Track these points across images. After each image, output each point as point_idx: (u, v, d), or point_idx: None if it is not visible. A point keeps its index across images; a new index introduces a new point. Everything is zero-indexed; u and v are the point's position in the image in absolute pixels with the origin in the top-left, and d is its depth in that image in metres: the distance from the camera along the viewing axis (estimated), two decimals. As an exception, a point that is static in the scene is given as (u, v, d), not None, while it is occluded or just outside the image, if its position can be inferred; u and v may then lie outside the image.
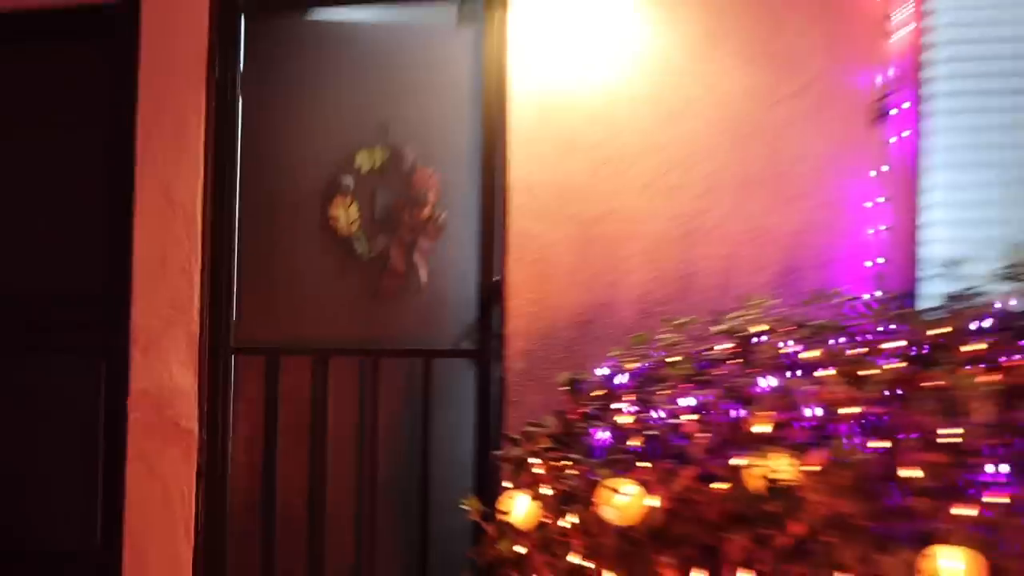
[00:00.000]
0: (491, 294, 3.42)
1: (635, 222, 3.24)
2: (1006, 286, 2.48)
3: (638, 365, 2.66)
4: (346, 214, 3.63)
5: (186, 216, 3.62)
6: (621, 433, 2.43)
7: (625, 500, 2.22)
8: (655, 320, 3.05)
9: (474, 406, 3.37)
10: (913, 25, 3.08)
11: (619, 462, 2.33)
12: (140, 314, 3.67)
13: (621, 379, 2.62)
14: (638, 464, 2.31)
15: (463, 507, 2.55)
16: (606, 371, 2.69)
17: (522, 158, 3.33)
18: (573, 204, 3.30)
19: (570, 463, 2.42)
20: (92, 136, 3.79)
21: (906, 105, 3.05)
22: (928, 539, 1.96)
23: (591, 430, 2.47)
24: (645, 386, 2.57)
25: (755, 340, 2.57)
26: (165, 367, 3.62)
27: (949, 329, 2.37)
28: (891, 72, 3.05)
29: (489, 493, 3.16)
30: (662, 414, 2.40)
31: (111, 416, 3.70)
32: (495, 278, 3.40)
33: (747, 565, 2.16)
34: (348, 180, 3.63)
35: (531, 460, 2.51)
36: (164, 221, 3.65)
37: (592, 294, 3.26)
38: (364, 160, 3.64)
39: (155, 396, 3.62)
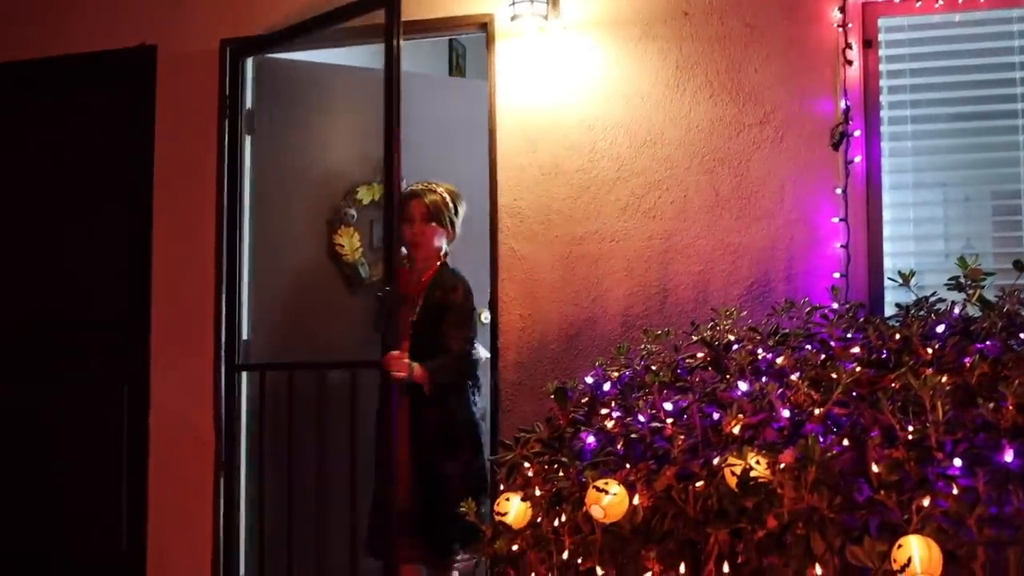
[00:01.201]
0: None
1: (616, 241, 3.24)
2: (958, 295, 2.49)
3: (621, 373, 2.65)
4: (350, 242, 3.64)
5: (200, 246, 3.61)
6: (607, 437, 2.42)
7: (611, 499, 2.20)
8: (636, 332, 3.04)
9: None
10: (863, 58, 3.10)
11: (605, 464, 2.32)
12: (160, 338, 3.65)
13: (606, 387, 2.62)
14: (623, 465, 2.30)
15: (461, 508, 2.53)
16: (592, 380, 2.68)
17: (509, 184, 3.33)
18: (558, 226, 3.29)
19: (560, 466, 2.40)
20: (115, 173, 3.79)
21: (857, 133, 3.06)
22: (896, 529, 1.94)
23: (579, 434, 2.46)
24: (628, 393, 2.58)
25: (729, 348, 2.57)
26: (187, 386, 3.60)
27: (908, 334, 2.37)
28: (846, 101, 3.06)
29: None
30: (644, 418, 2.40)
31: (134, 432, 3.68)
32: (487, 298, 3.39)
33: (728, 558, 2.15)
34: (351, 210, 3.64)
35: (524, 464, 2.48)
36: (180, 251, 3.64)
37: (577, 309, 3.25)
38: (364, 194, 3.65)
39: (175, 413, 3.61)
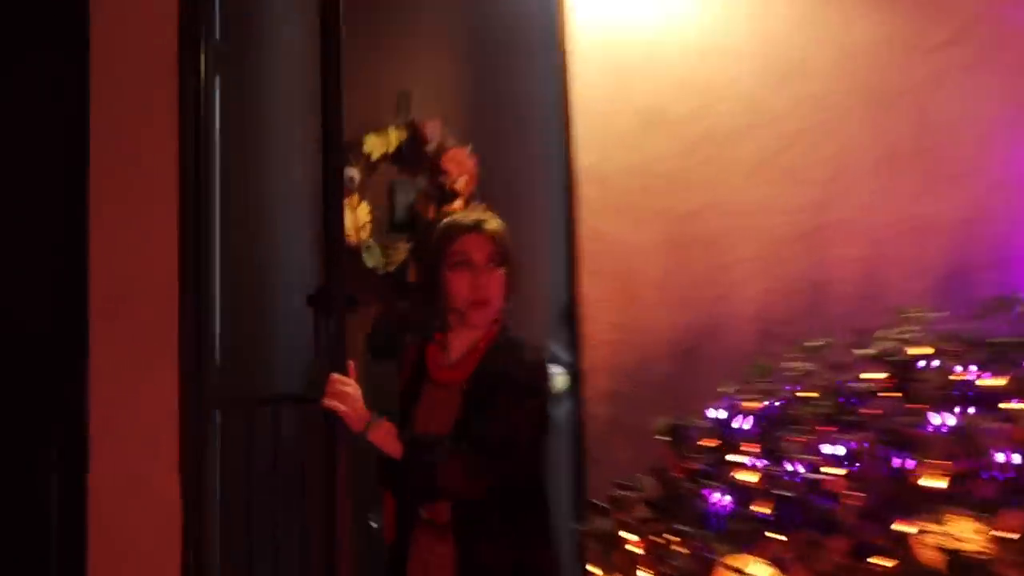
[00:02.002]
0: (559, 320, 3.47)
1: (744, 217, 3.28)
2: None
3: (761, 404, 2.68)
4: (353, 217, 3.67)
5: (156, 234, 3.62)
6: (743, 495, 2.46)
7: (756, 584, 2.24)
8: (779, 343, 3.03)
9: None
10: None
11: (743, 534, 2.36)
12: (101, 360, 3.66)
13: (740, 423, 2.65)
14: (768, 535, 2.34)
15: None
16: (719, 414, 2.72)
17: (591, 137, 3.37)
18: (661, 196, 3.33)
19: (677, 537, 2.44)
20: (30, 135, 3.82)
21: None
22: None
23: (703, 492, 2.50)
24: (772, 431, 2.60)
25: (917, 365, 2.57)
26: (140, 428, 3.60)
27: None
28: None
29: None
30: (798, 468, 2.43)
31: (67, 493, 3.68)
32: (563, 300, 3.47)
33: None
34: (352, 173, 3.66)
35: (624, 535, 2.53)
36: (127, 240, 3.65)
37: (692, 313, 3.30)
38: (373, 145, 3.69)
39: (124, 466, 3.62)
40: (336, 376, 2.90)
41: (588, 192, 3.39)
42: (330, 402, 2.86)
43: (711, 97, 3.33)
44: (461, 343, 3.01)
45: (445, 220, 3.09)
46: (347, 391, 2.87)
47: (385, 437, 2.86)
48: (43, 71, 3.83)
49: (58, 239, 3.80)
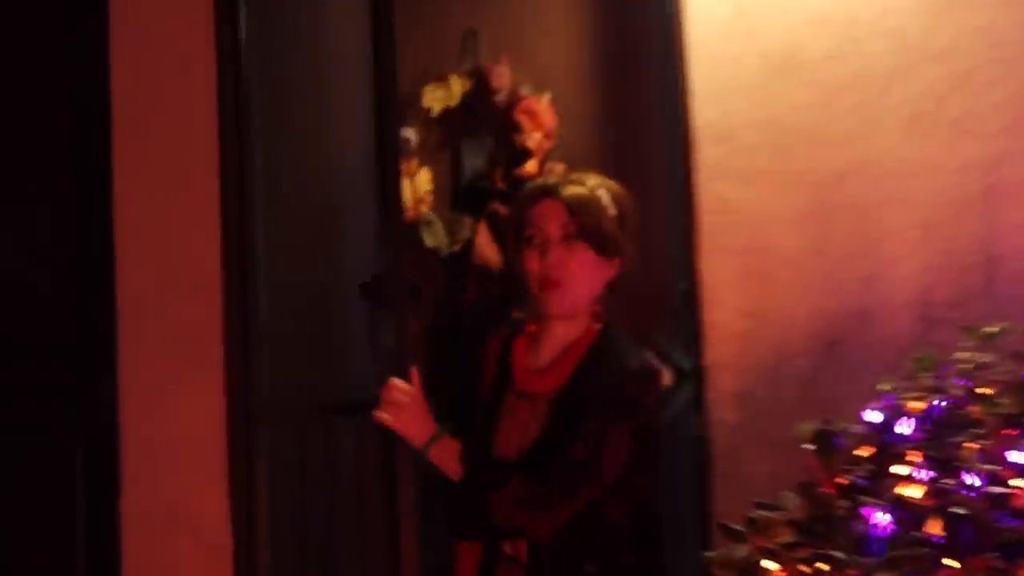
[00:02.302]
0: (674, 309, 3.45)
1: (899, 178, 3.25)
2: None
3: (927, 404, 2.64)
4: (411, 187, 3.68)
5: (193, 219, 3.66)
6: (909, 513, 2.43)
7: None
8: (947, 331, 3.01)
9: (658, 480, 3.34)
10: None
11: (909, 560, 2.33)
12: (132, 371, 3.71)
13: (902, 427, 2.62)
14: (943, 562, 2.31)
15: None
16: (876, 416, 2.68)
17: (712, 84, 3.37)
18: (799, 156, 3.31)
19: (828, 565, 2.41)
20: (45, 109, 3.87)
21: None
22: None
23: (859, 511, 2.47)
24: (943, 437, 2.57)
25: None
26: (180, 449, 3.66)
27: None
28: None
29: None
30: (976, 480, 2.40)
31: (95, 524, 3.75)
32: (679, 284, 3.44)
33: None
34: (409, 134, 3.69)
35: (765, 563, 2.50)
36: (160, 231, 3.69)
37: (840, 297, 3.28)
38: (434, 98, 3.72)
39: (162, 493, 3.66)
40: (394, 382, 2.89)
41: (709, 153, 3.37)
42: (383, 414, 2.86)
43: (856, 34, 3.29)
44: (554, 343, 2.95)
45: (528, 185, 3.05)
46: (404, 401, 2.87)
47: (448, 458, 2.84)
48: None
49: (76, 224, 3.82)
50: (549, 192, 2.93)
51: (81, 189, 3.81)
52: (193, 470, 3.65)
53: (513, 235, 2.97)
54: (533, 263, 2.91)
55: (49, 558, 3.80)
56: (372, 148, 3.35)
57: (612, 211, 2.92)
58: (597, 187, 2.94)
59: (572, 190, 2.91)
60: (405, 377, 2.88)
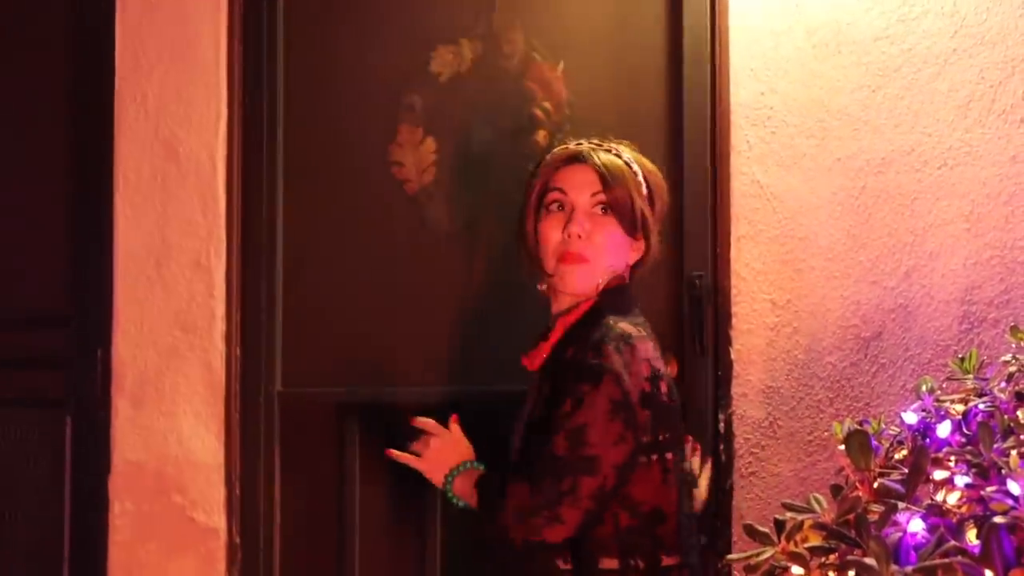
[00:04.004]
0: (695, 299, 3.39)
1: (948, 167, 3.21)
2: None
3: (968, 406, 2.58)
4: (416, 155, 3.64)
5: (201, 181, 3.66)
6: (947, 521, 2.35)
7: (967, 637, 2.15)
8: (991, 331, 3.03)
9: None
10: None
11: (946, 569, 2.22)
12: (126, 342, 3.71)
13: (941, 430, 2.56)
14: (980, 572, 2.20)
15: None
16: (913, 417, 2.59)
17: (750, 64, 3.32)
18: (841, 141, 3.26)
19: (860, 571, 2.28)
20: (42, 61, 3.88)
21: None
22: None
23: (893, 517, 2.36)
24: (985, 441, 2.47)
25: None
26: (170, 425, 3.65)
27: None
28: None
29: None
30: (1018, 488, 2.31)
31: (82, 507, 3.75)
32: (695, 273, 3.38)
33: None
34: (415, 100, 3.65)
35: (792, 568, 2.40)
36: (164, 192, 3.70)
37: (878, 291, 3.23)
38: (444, 62, 3.65)
39: (154, 473, 3.65)
40: (422, 421, 2.83)
41: (746, 136, 3.31)
42: (400, 454, 2.83)
43: (909, 11, 3.23)
44: (553, 319, 2.88)
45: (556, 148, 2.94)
46: (430, 442, 2.81)
47: (466, 488, 2.79)
48: None
49: (70, 191, 3.84)
50: (581, 157, 2.83)
51: (77, 151, 3.82)
52: (191, 448, 3.65)
53: (536, 200, 2.85)
54: (555, 232, 2.80)
55: (35, 530, 3.82)
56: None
57: (644, 189, 2.84)
58: (632, 160, 2.85)
59: (607, 158, 2.82)
60: None
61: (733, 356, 3.31)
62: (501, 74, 3.60)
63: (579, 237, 2.77)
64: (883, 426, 2.64)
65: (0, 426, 3.88)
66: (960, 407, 2.60)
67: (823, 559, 2.40)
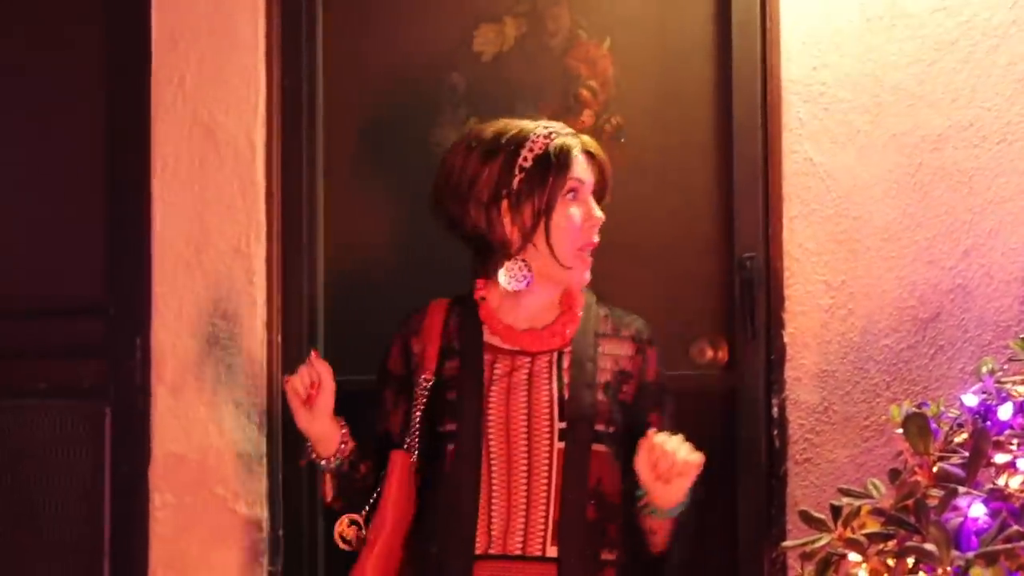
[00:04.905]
0: (746, 281, 3.36)
1: (1007, 144, 3.16)
2: None
3: None
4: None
5: (239, 165, 3.67)
6: (1009, 505, 2.33)
7: (1030, 624, 2.14)
8: None
9: (728, 467, 3.33)
10: None
11: (1008, 554, 2.21)
12: (165, 329, 3.73)
13: (1003, 412, 2.51)
14: (1047, 560, 2.23)
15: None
16: (973, 400, 2.59)
17: (803, 38, 3.29)
18: (898, 117, 3.23)
19: (920, 557, 2.29)
20: (78, 44, 3.89)
21: None
22: None
23: (953, 502, 2.35)
24: (1049, 425, 2.50)
25: None
26: (211, 415, 3.67)
27: None
28: None
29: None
30: (1085, 472, 2.32)
31: (122, 498, 3.77)
32: (746, 255, 3.36)
33: None
34: (457, 79, 3.66)
35: (849, 555, 2.39)
36: (202, 176, 3.71)
37: (935, 271, 3.20)
38: (487, 40, 3.65)
39: (195, 463, 3.68)
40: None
41: (798, 113, 3.29)
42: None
43: None
44: (535, 303, 3.04)
45: (538, 131, 2.95)
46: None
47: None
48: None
49: (106, 176, 3.85)
50: (586, 148, 2.95)
51: (114, 136, 3.84)
52: (231, 439, 3.67)
53: (550, 189, 2.88)
54: (574, 222, 2.90)
55: (76, 522, 3.83)
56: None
57: None
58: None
59: (594, 144, 2.96)
60: None
61: (786, 339, 3.29)
62: (545, 52, 3.59)
63: (598, 227, 2.93)
64: (942, 409, 2.61)
65: (39, 416, 3.89)
66: (1022, 389, 2.57)
67: (881, 545, 2.39)
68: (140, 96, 3.76)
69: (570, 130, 2.97)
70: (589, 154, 2.94)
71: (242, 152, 3.67)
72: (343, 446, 2.96)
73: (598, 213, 2.92)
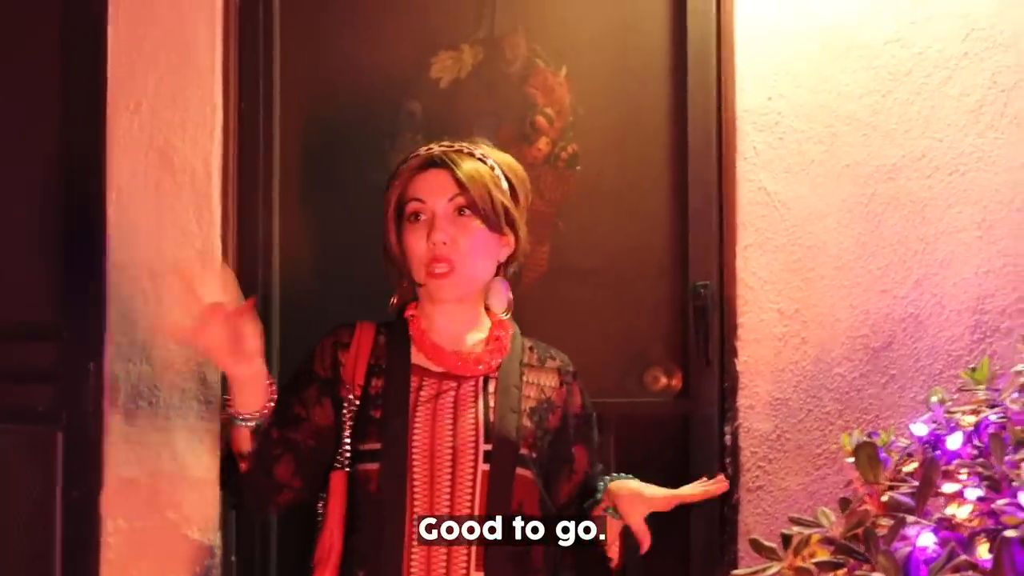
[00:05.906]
0: (700, 309, 3.39)
1: (960, 173, 3.21)
2: None
3: (980, 418, 2.58)
4: None
5: (196, 190, 3.65)
6: (958, 535, 2.37)
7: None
8: (1003, 341, 3.05)
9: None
10: None
11: None
12: (119, 355, 3.69)
13: (952, 442, 2.56)
14: (992, 589, 2.25)
15: None
16: (923, 429, 2.62)
17: (757, 67, 3.32)
18: (851, 147, 3.27)
19: None
20: (32, 70, 3.87)
21: None
22: None
23: (902, 531, 2.40)
24: (997, 453, 2.48)
25: None
26: (164, 440, 3.63)
27: None
28: None
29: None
30: (1032, 501, 2.35)
31: (74, 524, 3.73)
32: (700, 283, 3.39)
33: None
34: (415, 106, 3.66)
35: None
36: (158, 201, 3.68)
37: (888, 300, 3.24)
38: (444, 67, 3.66)
39: (147, 489, 3.63)
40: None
41: (753, 142, 3.32)
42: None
43: (921, 14, 3.25)
44: (459, 324, 3.02)
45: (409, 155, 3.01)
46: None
47: None
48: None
49: (62, 203, 3.80)
50: (435, 162, 2.91)
51: (69, 161, 3.80)
52: (185, 464, 3.62)
53: (395, 212, 2.95)
54: (420, 242, 2.89)
55: (26, 548, 3.77)
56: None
57: (504, 183, 2.94)
58: (486, 155, 2.95)
59: (459, 159, 2.90)
60: None
61: (739, 367, 3.31)
62: (503, 80, 3.61)
63: (444, 244, 2.86)
64: (893, 438, 2.64)
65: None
66: (971, 419, 2.60)
67: (831, 574, 2.42)
68: (96, 122, 3.72)
69: (449, 146, 2.96)
70: (451, 177, 2.90)
71: (198, 177, 3.65)
72: (270, 403, 2.92)
73: (438, 236, 2.86)
